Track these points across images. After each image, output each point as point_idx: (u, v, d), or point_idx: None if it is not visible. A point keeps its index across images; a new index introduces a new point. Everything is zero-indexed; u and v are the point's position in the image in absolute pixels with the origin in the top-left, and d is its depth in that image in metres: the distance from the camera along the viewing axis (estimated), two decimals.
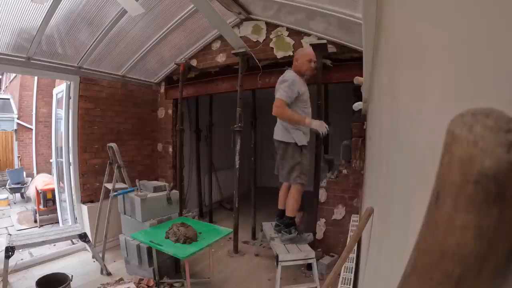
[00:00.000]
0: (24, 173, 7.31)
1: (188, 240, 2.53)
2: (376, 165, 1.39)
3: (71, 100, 3.64)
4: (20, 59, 3.08)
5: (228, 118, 4.43)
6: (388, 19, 0.89)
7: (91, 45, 3.36)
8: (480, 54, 0.27)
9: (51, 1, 2.58)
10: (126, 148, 4.18)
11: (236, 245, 3.57)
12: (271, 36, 3.61)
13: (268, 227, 3.16)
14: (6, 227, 4.77)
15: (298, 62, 2.67)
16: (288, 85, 2.52)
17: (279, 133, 2.70)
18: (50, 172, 6.43)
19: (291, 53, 3.47)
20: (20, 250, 3.18)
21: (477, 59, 0.27)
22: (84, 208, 3.69)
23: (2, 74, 9.79)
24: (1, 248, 2.82)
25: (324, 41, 3.08)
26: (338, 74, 3.28)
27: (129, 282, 2.79)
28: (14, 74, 8.81)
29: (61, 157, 3.99)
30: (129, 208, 3.08)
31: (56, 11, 2.73)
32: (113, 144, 3.40)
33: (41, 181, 5.41)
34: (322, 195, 3.34)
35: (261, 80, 3.72)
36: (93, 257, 3.22)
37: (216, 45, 4.06)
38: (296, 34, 3.44)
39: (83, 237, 2.98)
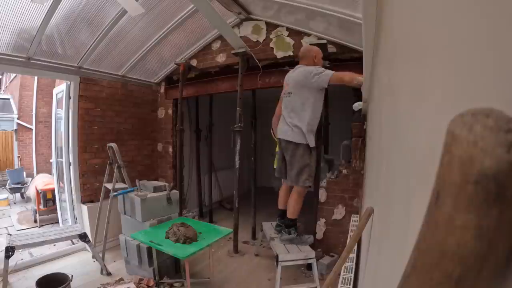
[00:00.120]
0: (24, 173, 7.31)
1: (188, 240, 2.53)
2: (376, 165, 1.39)
3: (71, 100, 3.64)
4: (20, 59, 3.08)
5: (228, 118, 4.44)
6: (388, 19, 0.89)
7: (91, 45, 3.36)
8: (480, 54, 0.27)
9: (51, 1, 2.58)
10: (126, 148, 4.18)
11: (236, 245, 3.57)
12: (271, 36, 3.61)
13: (268, 227, 3.16)
14: (6, 227, 4.77)
15: (316, 59, 2.66)
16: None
17: (289, 133, 2.60)
18: (50, 172, 6.44)
19: (291, 53, 3.47)
20: (20, 250, 3.19)
21: (477, 59, 0.27)
22: (84, 208, 3.69)
23: (2, 74, 9.80)
24: (1, 248, 2.82)
25: (324, 41, 3.08)
26: None
27: (129, 282, 2.79)
28: (14, 74, 8.81)
29: (61, 157, 3.99)
30: (129, 208, 3.08)
31: (56, 11, 2.73)
32: (113, 144, 3.40)
33: (41, 181, 5.41)
34: (322, 195, 3.34)
35: (261, 80, 3.72)
36: (93, 257, 3.22)
37: (216, 45, 4.06)
38: (296, 34, 3.44)
39: (83, 237, 2.98)
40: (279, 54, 3.57)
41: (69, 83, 3.63)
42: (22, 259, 3.25)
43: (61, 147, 3.98)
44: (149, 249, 2.77)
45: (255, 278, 3.03)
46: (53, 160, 4.47)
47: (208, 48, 4.14)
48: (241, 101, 3.50)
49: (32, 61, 3.16)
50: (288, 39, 3.50)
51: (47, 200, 4.91)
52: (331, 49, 3.17)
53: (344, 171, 3.28)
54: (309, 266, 2.88)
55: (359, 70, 2.22)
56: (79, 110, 3.67)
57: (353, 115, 3.07)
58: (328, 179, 3.35)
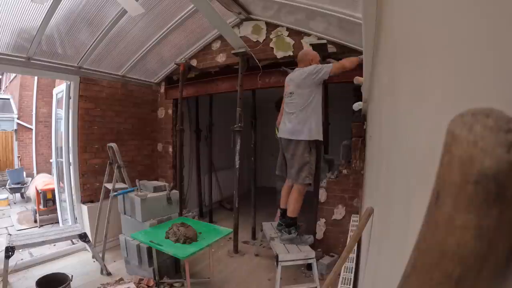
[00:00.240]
0: (24, 173, 7.31)
1: (188, 240, 2.53)
2: (376, 165, 1.39)
3: (71, 100, 3.64)
4: (20, 59, 3.08)
5: (228, 118, 4.44)
6: (388, 19, 0.89)
7: (91, 45, 3.36)
8: (480, 54, 0.27)
9: (51, 1, 2.58)
10: (126, 148, 4.18)
11: (236, 245, 3.57)
12: (271, 36, 3.61)
13: (268, 227, 3.16)
14: (6, 227, 4.77)
15: (313, 62, 2.70)
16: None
17: (289, 132, 2.66)
18: (50, 172, 6.43)
19: (291, 53, 3.47)
20: (20, 250, 3.18)
21: (477, 59, 0.27)
22: (84, 208, 3.69)
23: (2, 74, 9.79)
24: (1, 248, 2.82)
25: (324, 41, 3.08)
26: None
27: (129, 282, 2.80)
28: (14, 74, 8.81)
29: (61, 157, 3.99)
30: (129, 208, 3.08)
31: (56, 11, 2.73)
32: (113, 144, 3.40)
33: (41, 181, 5.41)
34: (322, 195, 3.34)
35: (261, 80, 3.72)
36: (93, 257, 3.22)
37: (216, 45, 4.06)
38: (296, 34, 3.44)
39: (83, 237, 2.98)
40: (279, 54, 3.57)
41: (69, 83, 3.63)
42: (22, 259, 3.25)
43: (61, 147, 3.99)
44: (149, 249, 2.77)
45: (255, 278, 3.03)
46: (53, 160, 4.47)
47: (208, 48, 4.14)
48: (241, 101, 3.50)
49: (32, 61, 3.16)
50: (288, 39, 3.50)
51: (47, 200, 4.91)
52: (331, 49, 3.17)
53: (344, 171, 3.28)
54: (309, 266, 2.88)
55: (359, 70, 2.23)
56: (79, 110, 3.67)
57: (353, 115, 3.07)
58: (328, 179, 3.35)
